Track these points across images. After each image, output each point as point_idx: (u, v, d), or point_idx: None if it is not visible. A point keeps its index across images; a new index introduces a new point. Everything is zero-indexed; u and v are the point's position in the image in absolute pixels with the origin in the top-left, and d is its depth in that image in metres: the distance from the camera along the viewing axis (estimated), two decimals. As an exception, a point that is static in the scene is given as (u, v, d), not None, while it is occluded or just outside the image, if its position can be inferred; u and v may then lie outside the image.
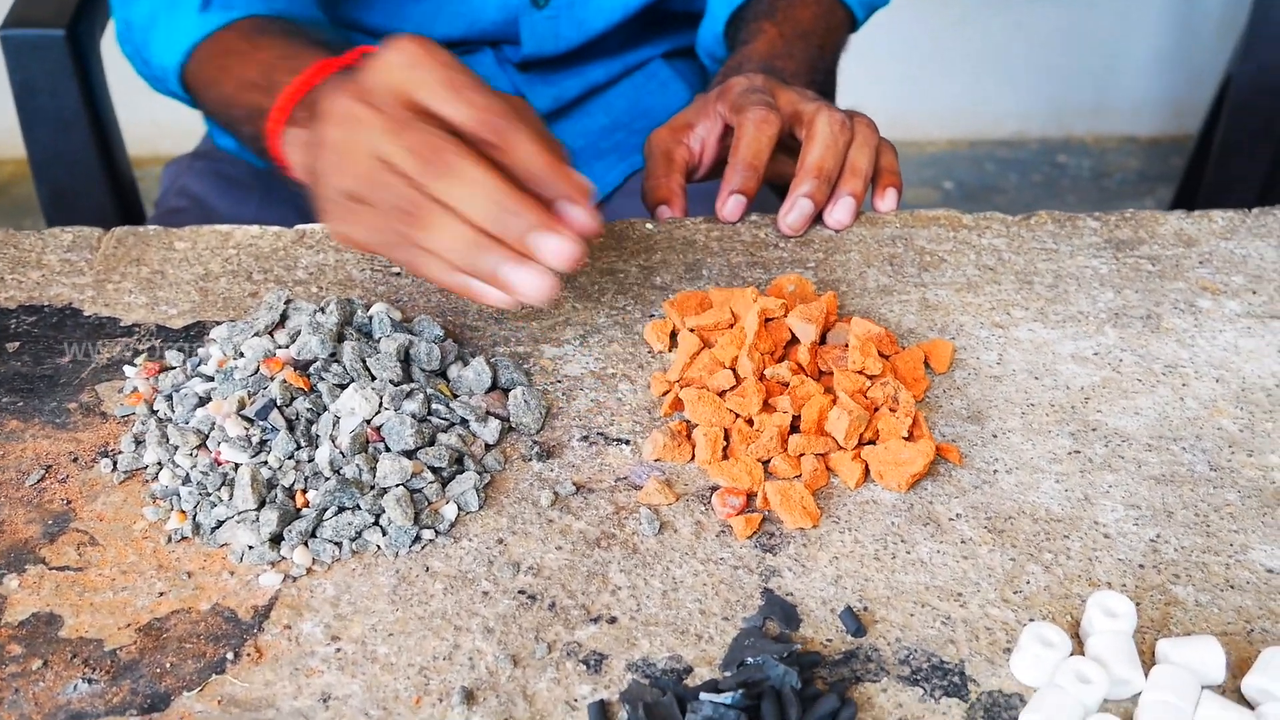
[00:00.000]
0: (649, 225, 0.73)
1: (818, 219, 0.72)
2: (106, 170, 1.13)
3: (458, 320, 0.64)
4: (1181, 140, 2.63)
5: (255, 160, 0.79)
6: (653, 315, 0.65)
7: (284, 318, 0.60)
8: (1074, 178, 2.55)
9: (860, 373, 0.58)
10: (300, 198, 1.04)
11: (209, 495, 0.53)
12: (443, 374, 0.59)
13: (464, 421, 0.56)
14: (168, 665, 0.47)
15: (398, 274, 0.68)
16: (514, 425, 0.58)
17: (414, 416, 0.55)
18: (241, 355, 0.58)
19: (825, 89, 0.94)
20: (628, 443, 0.58)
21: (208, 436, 0.54)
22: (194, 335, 0.63)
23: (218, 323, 0.64)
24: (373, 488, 0.53)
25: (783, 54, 0.91)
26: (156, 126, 1.73)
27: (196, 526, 0.52)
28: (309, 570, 0.51)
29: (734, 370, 0.58)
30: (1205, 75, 2.52)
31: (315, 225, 0.72)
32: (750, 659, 0.46)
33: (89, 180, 1.13)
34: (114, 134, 1.16)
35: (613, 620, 0.49)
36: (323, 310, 0.59)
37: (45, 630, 0.48)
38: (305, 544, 0.51)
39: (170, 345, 0.63)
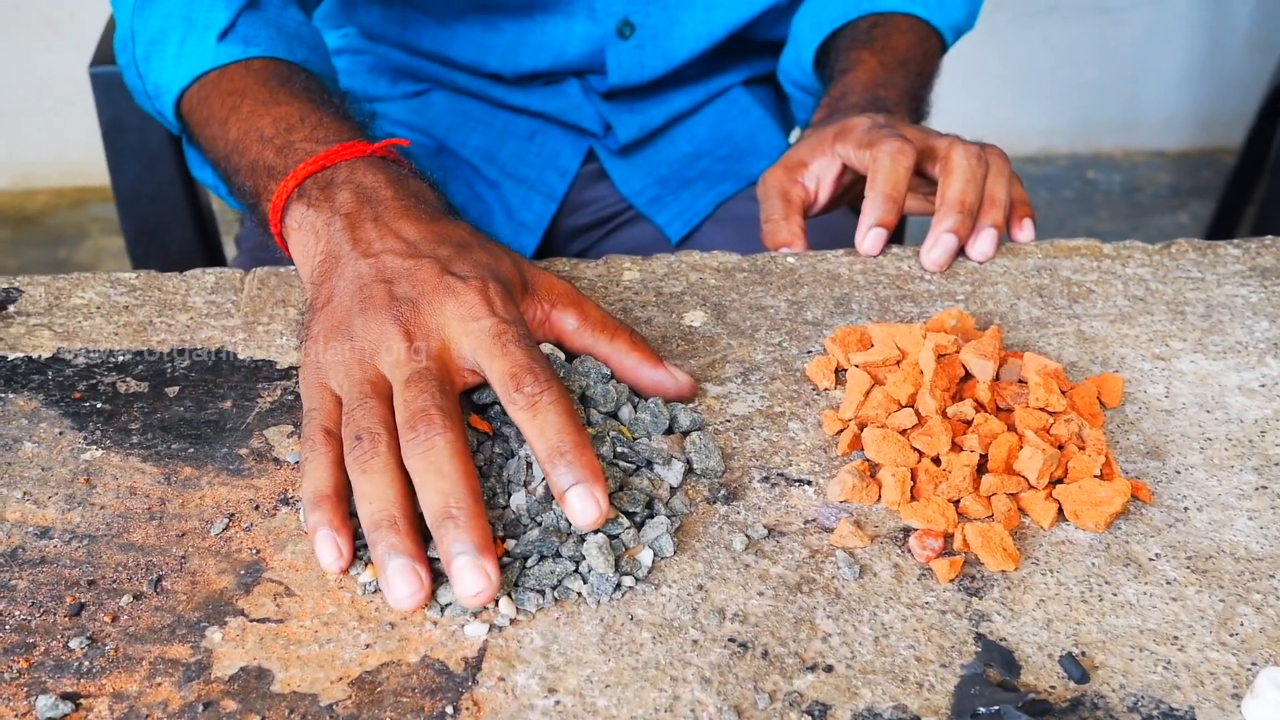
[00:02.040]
0: (790, 258, 0.73)
1: (958, 251, 0.72)
2: (190, 206, 1.13)
3: (616, 359, 0.64)
4: (1211, 154, 2.64)
5: (233, 202, 0.79)
6: (810, 351, 0.65)
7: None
8: (1105, 193, 2.55)
9: (1043, 409, 0.57)
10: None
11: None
12: (614, 416, 0.59)
13: (649, 464, 0.56)
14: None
15: (547, 311, 0.67)
16: (696, 468, 0.57)
17: (603, 460, 0.54)
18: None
19: (923, 118, 0.94)
20: (809, 483, 0.57)
21: (396, 483, 0.54)
22: (352, 377, 0.63)
23: (374, 364, 0.64)
24: (570, 535, 0.52)
25: (884, 83, 0.91)
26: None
27: (392, 576, 0.52)
28: (513, 620, 0.50)
29: (914, 408, 0.58)
30: (1234, 88, 2.53)
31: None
32: (984, 709, 0.46)
33: (174, 216, 1.13)
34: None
35: (829, 669, 0.48)
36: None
37: (257, 685, 0.48)
38: (509, 594, 0.51)
39: (330, 388, 0.62)
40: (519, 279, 0.60)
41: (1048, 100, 2.58)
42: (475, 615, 0.50)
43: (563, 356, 0.60)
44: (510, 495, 0.53)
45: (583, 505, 0.50)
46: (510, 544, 0.52)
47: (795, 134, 1.16)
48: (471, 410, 0.56)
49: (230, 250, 1.24)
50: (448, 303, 0.55)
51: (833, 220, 0.93)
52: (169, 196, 1.12)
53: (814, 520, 0.55)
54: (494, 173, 1.10)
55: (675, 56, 1.06)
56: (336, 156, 0.65)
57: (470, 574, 0.48)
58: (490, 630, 0.50)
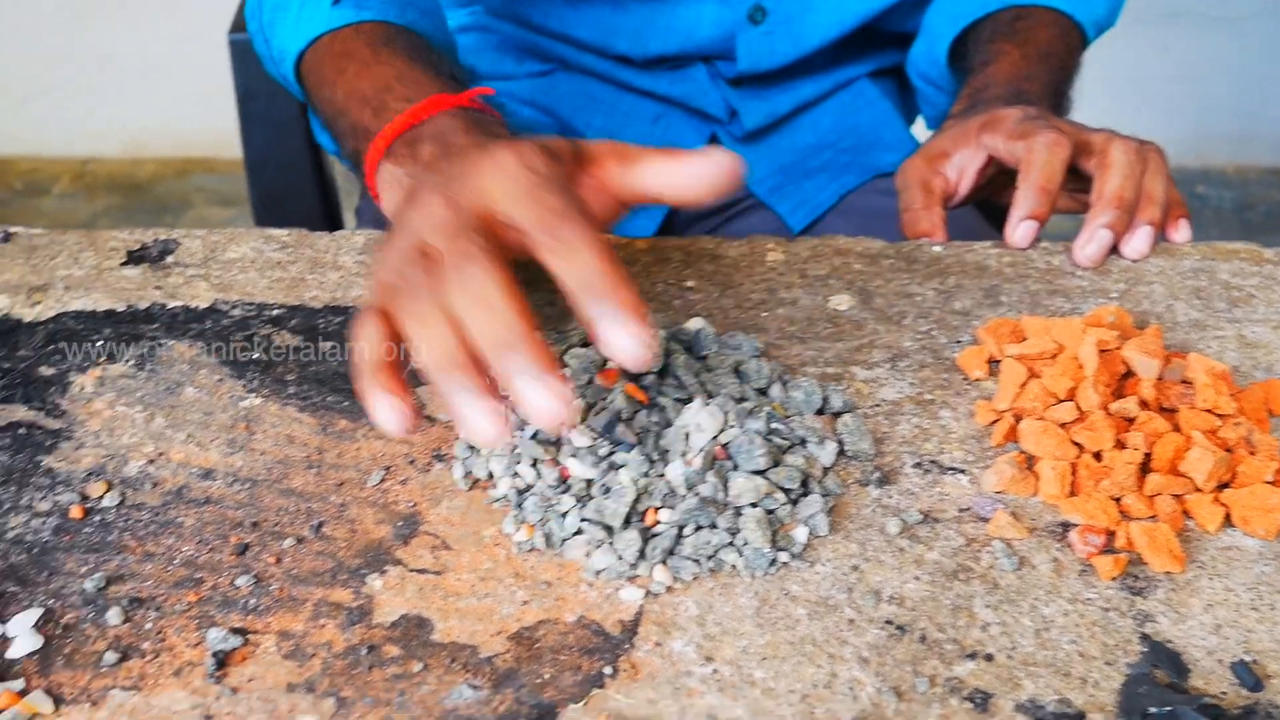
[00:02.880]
0: (936, 247, 0.72)
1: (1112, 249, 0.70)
2: (316, 176, 1.15)
3: (760, 338, 0.63)
4: (1329, 174, 2.57)
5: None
6: (959, 340, 0.64)
7: (599, 328, 0.60)
8: (1215, 209, 2.49)
9: (1211, 411, 0.56)
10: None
11: (555, 507, 0.52)
12: (763, 393, 0.58)
13: (803, 442, 0.56)
14: (546, 676, 0.47)
15: (690, 287, 0.68)
16: (848, 450, 0.56)
17: (761, 435, 0.54)
18: (566, 365, 0.58)
19: (1064, 114, 0.92)
20: (963, 472, 0.56)
21: (554, 446, 0.54)
22: (501, 341, 0.63)
23: (522, 329, 0.64)
24: (726, 506, 0.52)
25: (1027, 76, 0.89)
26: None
27: (547, 538, 0.52)
28: (669, 588, 0.50)
29: (1075, 403, 0.57)
30: (1357, 107, 2.46)
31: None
32: (1155, 709, 0.45)
33: (299, 185, 1.14)
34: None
35: (989, 658, 0.48)
36: (640, 323, 0.59)
37: (417, 633, 0.48)
38: (664, 562, 0.51)
39: (481, 350, 0.62)
40: (571, 150, 0.56)
41: (1159, 110, 2.52)
42: (630, 580, 0.51)
43: (713, 331, 0.60)
44: (668, 464, 0.53)
45: (613, 334, 0.47)
46: (666, 514, 0.52)
47: (920, 128, 1.15)
48: (628, 380, 0.56)
49: (350, 222, 1.26)
50: (484, 166, 0.52)
51: (958, 215, 0.91)
52: (296, 165, 1.14)
53: (969, 509, 0.54)
54: (618, 155, 1.10)
55: (806, 44, 1.05)
56: (423, 113, 0.66)
57: (535, 390, 0.46)
58: (646, 596, 0.50)
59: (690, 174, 0.55)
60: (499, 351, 0.46)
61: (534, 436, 0.55)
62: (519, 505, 0.53)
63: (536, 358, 0.46)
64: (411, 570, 0.51)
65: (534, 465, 0.54)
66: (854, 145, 1.11)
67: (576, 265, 0.48)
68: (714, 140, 1.10)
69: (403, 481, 0.55)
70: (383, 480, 0.55)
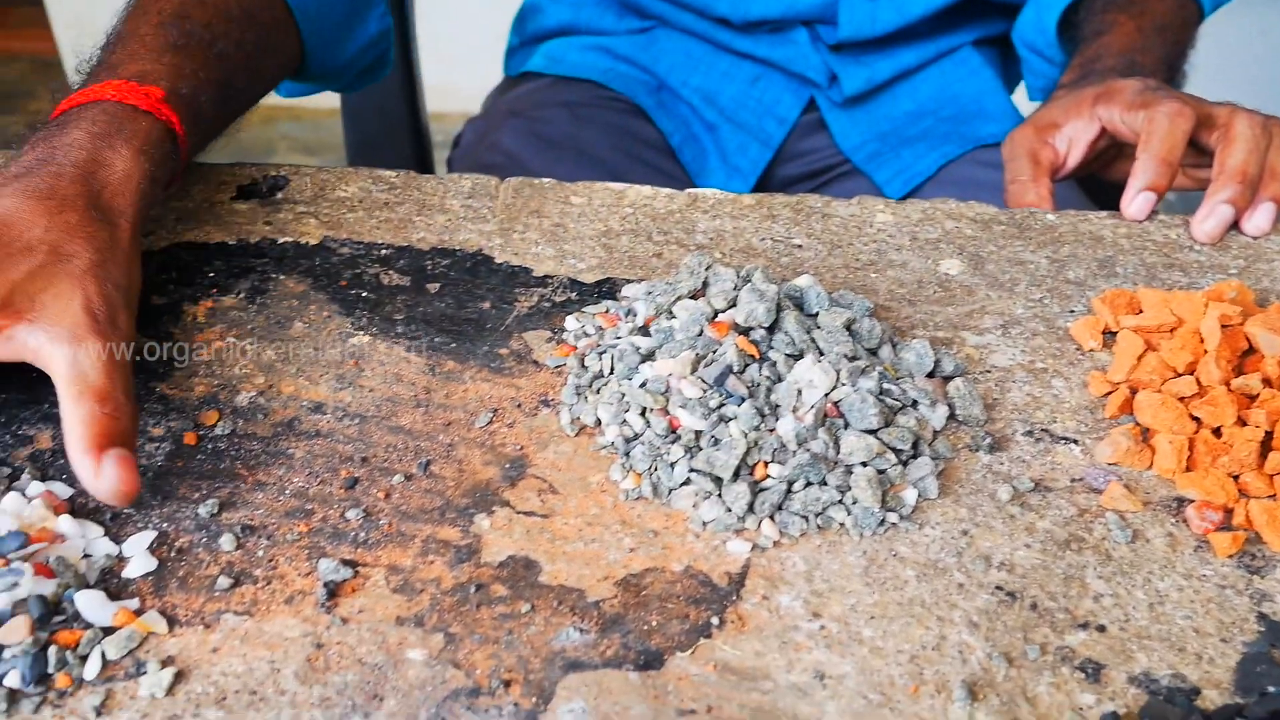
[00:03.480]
0: (1050, 216, 0.70)
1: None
2: (411, 123, 1.15)
3: (869, 299, 0.63)
4: None
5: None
6: (1073, 310, 0.63)
7: (704, 283, 0.59)
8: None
9: (1337, 393, 0.54)
10: (610, 163, 1.04)
11: (663, 457, 0.52)
12: (873, 353, 0.58)
13: (914, 404, 0.55)
14: (654, 623, 0.47)
15: (798, 245, 0.67)
16: (958, 415, 0.56)
17: (873, 394, 0.53)
18: (673, 316, 0.57)
19: (1178, 89, 0.89)
20: (1076, 442, 0.55)
21: (663, 396, 0.54)
22: (605, 291, 0.63)
23: (627, 280, 0.64)
24: (836, 464, 0.51)
25: (1141, 48, 0.87)
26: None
27: (654, 487, 0.52)
28: (776, 543, 0.50)
29: (1195, 376, 0.55)
30: None
31: (707, 190, 0.71)
32: (1273, 688, 0.44)
33: (395, 130, 1.15)
34: (419, 88, 1.17)
35: (1101, 629, 0.47)
36: (747, 279, 0.58)
37: (525, 574, 0.48)
38: (772, 516, 0.50)
39: (586, 298, 0.62)
40: (9, 294, 0.51)
41: (1250, 94, 2.45)
42: (737, 533, 0.50)
43: (824, 289, 0.59)
44: (778, 419, 0.52)
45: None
46: (775, 468, 0.51)
47: (1020, 97, 1.12)
48: (739, 332, 0.55)
49: (441, 172, 1.26)
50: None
51: (1059, 190, 0.89)
52: (393, 113, 1.14)
53: (1081, 480, 0.53)
54: (713, 115, 1.09)
55: (910, 12, 1.04)
56: (81, 101, 0.60)
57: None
58: (753, 549, 0.50)
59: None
60: None
61: (643, 385, 0.54)
62: (626, 453, 0.53)
63: None
64: (519, 512, 0.51)
65: (643, 414, 0.54)
66: (954, 114, 1.09)
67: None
68: (812, 104, 1.08)
69: (510, 424, 0.55)
70: (490, 422, 0.55)
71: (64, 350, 0.50)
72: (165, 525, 0.50)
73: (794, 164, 1.10)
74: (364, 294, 0.62)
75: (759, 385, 0.53)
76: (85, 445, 0.48)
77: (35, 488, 0.50)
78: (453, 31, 2.13)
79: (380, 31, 0.87)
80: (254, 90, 0.71)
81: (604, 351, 0.57)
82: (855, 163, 1.07)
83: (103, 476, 0.48)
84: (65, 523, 0.49)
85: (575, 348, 0.59)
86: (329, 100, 1.12)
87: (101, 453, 0.48)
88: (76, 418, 0.49)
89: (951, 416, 0.56)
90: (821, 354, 0.55)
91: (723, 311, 0.57)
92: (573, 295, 0.63)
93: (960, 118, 1.09)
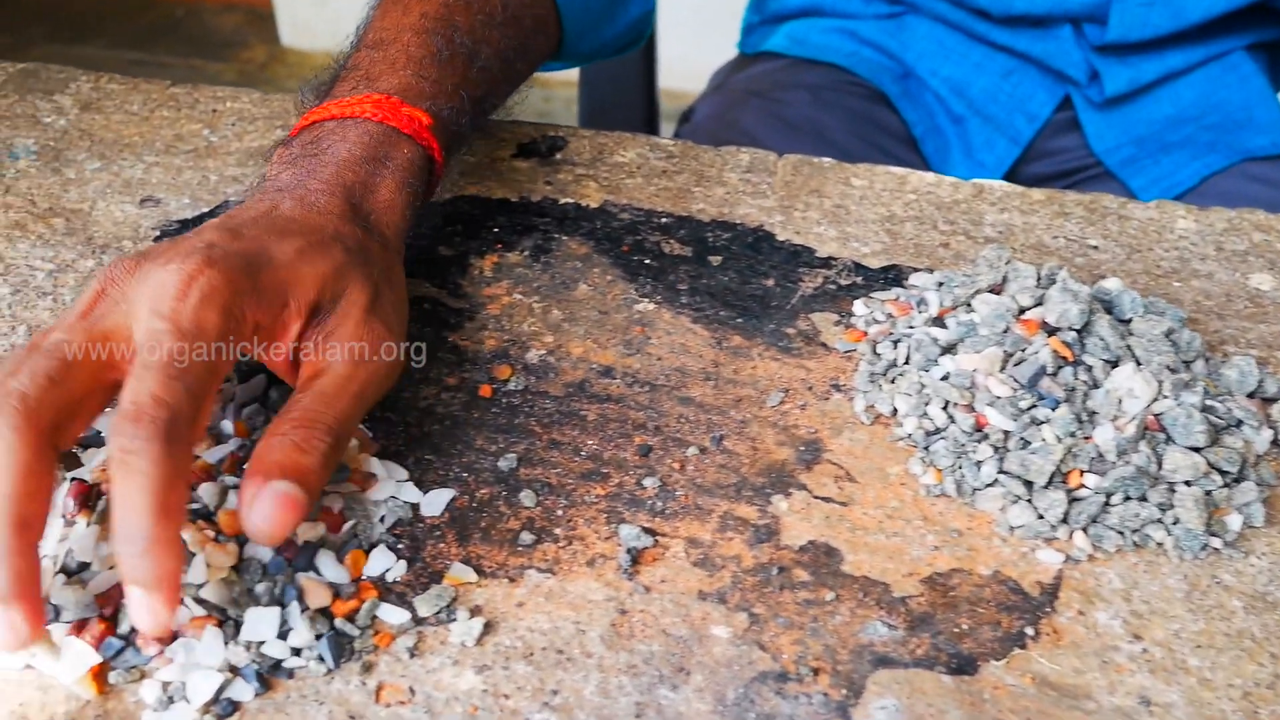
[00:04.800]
0: (1368, 237, 0.65)
1: None
2: (645, 93, 1.15)
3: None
4: None
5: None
6: (1401, 340, 0.58)
7: (1004, 278, 0.57)
8: None
9: None
10: (849, 149, 1.02)
11: (969, 455, 0.50)
12: (1188, 366, 0.54)
13: (1239, 424, 0.51)
14: (964, 627, 0.45)
15: (1094, 247, 0.64)
16: (1282, 439, 0.52)
17: (1198, 410, 0.50)
18: (971, 309, 0.55)
19: None
20: None
21: (968, 391, 0.51)
22: (892, 278, 0.61)
23: (913, 269, 0.62)
24: (1158, 480, 0.48)
25: None
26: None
27: (957, 486, 0.50)
28: (1089, 556, 0.47)
29: None
30: None
31: (993, 182, 0.68)
32: None
33: (630, 99, 1.14)
34: (655, 60, 1.17)
35: None
36: (1051, 278, 0.55)
37: (826, 561, 0.47)
38: (1085, 528, 0.48)
39: (872, 284, 0.60)
40: (320, 289, 0.46)
41: None
42: (1047, 542, 0.48)
43: (1137, 294, 0.56)
44: (1095, 427, 0.50)
45: (136, 611, 0.39)
46: (1092, 478, 0.49)
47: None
48: (1047, 333, 0.53)
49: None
50: (152, 277, 0.43)
51: None
52: (629, 80, 1.14)
53: None
54: (960, 107, 1.06)
55: (1186, 17, 0.98)
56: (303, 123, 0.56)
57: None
58: (1065, 561, 0.47)
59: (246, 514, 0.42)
60: None
61: (944, 378, 0.52)
62: (926, 447, 0.51)
63: (4, 576, 0.38)
64: (816, 497, 0.50)
65: (944, 408, 0.52)
66: (1219, 123, 1.03)
67: (122, 500, 0.38)
68: (1066, 102, 1.04)
69: (801, 406, 0.54)
70: (781, 402, 0.54)
71: (340, 364, 0.46)
72: (465, 475, 0.50)
73: (1041, 163, 1.06)
74: (646, 261, 0.62)
75: (1073, 389, 0.51)
76: (254, 467, 0.42)
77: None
78: (672, 3, 2.13)
79: (642, 14, 0.86)
80: (501, 100, 0.67)
81: (898, 340, 0.55)
82: (1108, 166, 1.03)
83: (253, 510, 0.41)
84: (375, 464, 0.49)
85: (866, 334, 0.57)
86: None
87: (267, 481, 0.41)
88: (270, 431, 0.43)
89: (1275, 442, 0.52)
90: (1139, 363, 0.52)
91: (1028, 309, 0.54)
92: (858, 279, 0.61)
93: (1225, 126, 1.03)
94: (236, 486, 0.47)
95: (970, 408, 0.51)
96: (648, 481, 0.50)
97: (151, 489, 0.38)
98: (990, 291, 0.56)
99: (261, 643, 0.42)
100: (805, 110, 1.04)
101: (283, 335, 0.46)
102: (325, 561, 0.44)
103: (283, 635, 0.42)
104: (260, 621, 0.42)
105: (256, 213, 0.49)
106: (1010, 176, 1.05)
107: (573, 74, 1.14)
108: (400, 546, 0.47)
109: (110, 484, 0.39)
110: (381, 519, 0.47)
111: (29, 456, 0.39)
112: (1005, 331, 0.53)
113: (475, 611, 0.44)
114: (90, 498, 0.46)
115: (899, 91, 1.07)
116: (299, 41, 2.79)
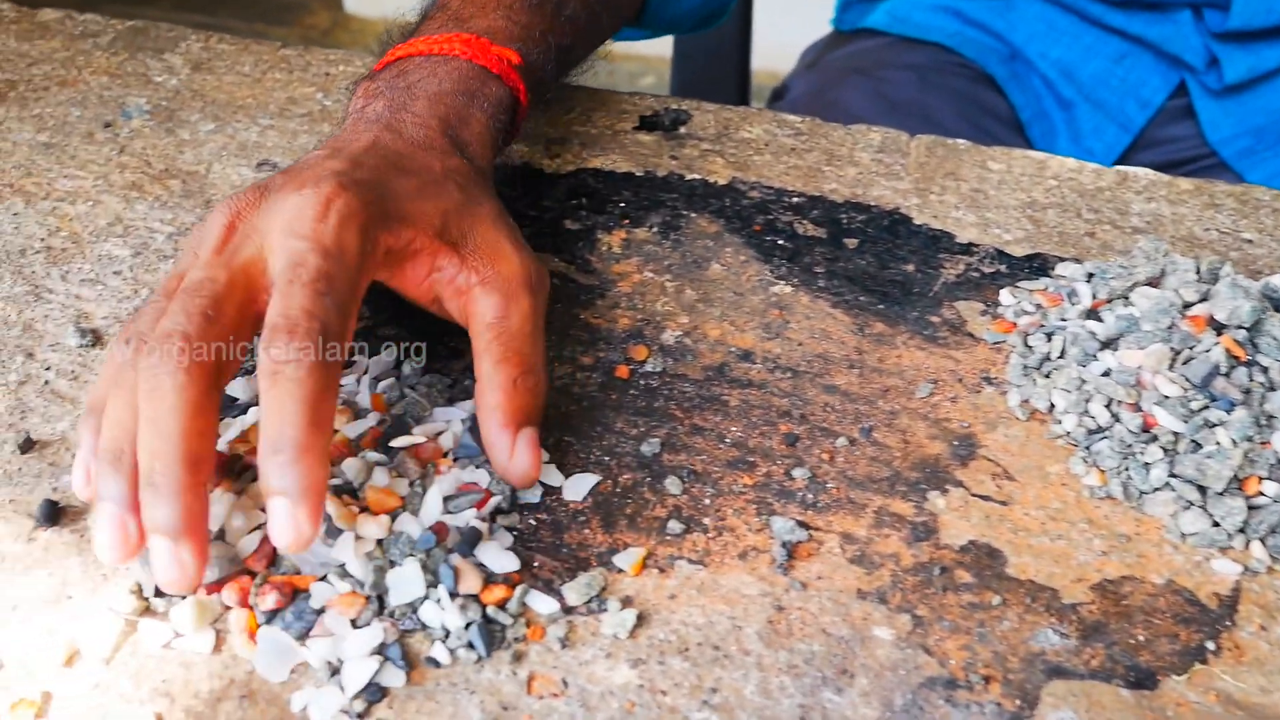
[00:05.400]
0: None
1: None
2: (738, 71, 1.12)
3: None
4: None
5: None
6: None
7: (1162, 271, 0.54)
8: None
9: None
10: (954, 131, 0.99)
11: (1136, 457, 0.47)
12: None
13: None
14: (1140, 639, 0.42)
15: (1249, 241, 0.61)
16: None
17: (1369, 417, 0.47)
18: (1129, 303, 0.52)
19: None
20: None
21: (1133, 389, 0.49)
22: (1037, 267, 0.58)
23: (1059, 258, 0.59)
24: (1344, 491, 0.46)
25: None
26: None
27: (1124, 488, 0.47)
28: (1269, 568, 0.45)
29: None
30: None
31: (1139, 170, 0.65)
32: None
33: (723, 75, 1.12)
34: (750, 33, 1.14)
35: None
36: (1214, 272, 0.53)
37: (989, 563, 0.45)
38: (1263, 539, 0.45)
39: (1017, 272, 0.58)
40: (443, 223, 0.46)
41: None
42: (1223, 551, 0.45)
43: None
44: (1275, 432, 0.47)
45: (279, 523, 0.38)
46: (1272, 486, 0.46)
47: None
48: (1216, 330, 0.50)
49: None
50: (286, 203, 0.43)
51: None
52: (724, 56, 1.11)
53: None
54: (1069, 91, 1.02)
55: (1314, 3, 0.94)
56: (418, 52, 0.55)
57: (160, 548, 0.38)
58: (1244, 572, 0.45)
59: (486, 438, 0.45)
60: (143, 487, 0.39)
61: (1105, 375, 0.50)
62: (1088, 447, 0.49)
63: (175, 511, 0.38)
64: (974, 495, 0.47)
65: (1108, 406, 0.49)
66: (1342, 115, 1.00)
67: (274, 412, 0.38)
68: (1180, 89, 1.00)
69: (952, 399, 0.51)
70: (931, 394, 0.51)
71: (495, 302, 0.46)
72: (606, 459, 0.48)
73: (1151, 152, 1.02)
74: (780, 242, 0.59)
75: (1249, 391, 0.48)
76: (502, 420, 0.45)
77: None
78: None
79: None
80: (586, 53, 0.66)
81: (1051, 333, 0.53)
82: (1223, 157, 0.99)
83: (516, 459, 0.44)
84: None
85: (1015, 325, 0.54)
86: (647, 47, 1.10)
87: (518, 430, 0.45)
88: (497, 383, 0.45)
89: None
90: (1313, 364, 0.49)
91: (1193, 305, 0.52)
92: (1002, 268, 0.58)
93: (1346, 117, 0.99)
94: (379, 463, 0.45)
95: (1136, 406, 0.49)
96: (797, 472, 0.48)
97: (304, 397, 0.38)
98: (1149, 285, 0.54)
99: (409, 612, 0.41)
100: (910, 90, 1.01)
101: (412, 262, 0.46)
102: (488, 549, 0.43)
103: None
104: (408, 583, 0.41)
105: (363, 144, 0.48)
106: (1118, 165, 1.01)
107: (666, 48, 1.12)
108: (543, 532, 0.45)
109: (260, 394, 0.38)
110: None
111: (196, 394, 0.39)
112: (1170, 328, 0.51)
113: (626, 602, 0.43)
114: (230, 468, 0.44)
115: (1006, 74, 1.03)
116: (362, 9, 2.77)
